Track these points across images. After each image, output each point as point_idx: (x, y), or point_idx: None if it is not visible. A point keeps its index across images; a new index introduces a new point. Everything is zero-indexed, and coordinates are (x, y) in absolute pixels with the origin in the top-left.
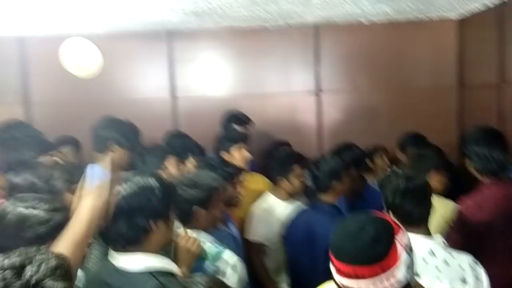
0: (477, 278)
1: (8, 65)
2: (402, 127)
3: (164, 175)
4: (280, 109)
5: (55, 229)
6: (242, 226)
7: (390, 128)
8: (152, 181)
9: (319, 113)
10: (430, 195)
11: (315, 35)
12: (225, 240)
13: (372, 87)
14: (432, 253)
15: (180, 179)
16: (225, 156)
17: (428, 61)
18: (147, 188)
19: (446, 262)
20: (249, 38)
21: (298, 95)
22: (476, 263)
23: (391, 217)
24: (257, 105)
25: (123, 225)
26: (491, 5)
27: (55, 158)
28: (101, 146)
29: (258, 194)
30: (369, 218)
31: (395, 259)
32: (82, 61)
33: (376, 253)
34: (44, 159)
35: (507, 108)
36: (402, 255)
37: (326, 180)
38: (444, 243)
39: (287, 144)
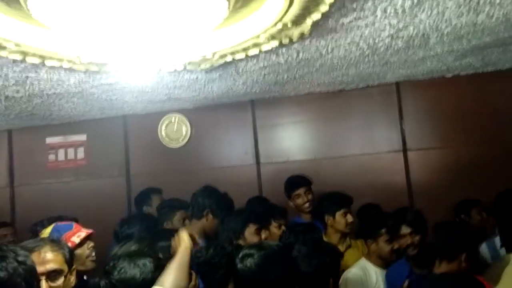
0: None
1: (114, 141)
2: (499, 182)
3: (242, 243)
4: (365, 170)
5: None
6: None
7: (486, 183)
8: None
9: (407, 172)
10: None
11: (397, 92)
12: None
13: (462, 141)
14: None
15: None
16: (329, 220)
17: None
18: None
19: None
20: (329, 101)
21: (383, 155)
22: None
23: None
24: (340, 168)
25: None
26: None
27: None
28: (198, 212)
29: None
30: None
31: None
32: (172, 134)
33: None
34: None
35: None
36: None
37: (455, 249)
38: None
39: (376, 206)
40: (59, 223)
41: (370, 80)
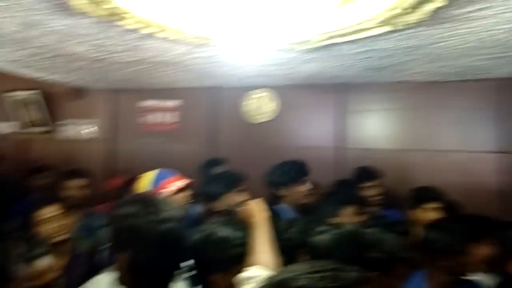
0: None
1: (206, 110)
2: None
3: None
4: (455, 168)
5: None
6: None
7: None
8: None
9: (502, 176)
10: None
11: (500, 90)
12: None
13: None
14: None
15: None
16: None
17: None
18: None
19: None
20: (424, 91)
21: (476, 154)
22: None
23: None
24: (427, 162)
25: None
26: None
27: (240, 194)
28: (274, 188)
29: None
30: None
31: None
32: (258, 109)
33: None
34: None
35: None
36: None
37: None
38: None
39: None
40: (164, 170)
41: (472, 74)
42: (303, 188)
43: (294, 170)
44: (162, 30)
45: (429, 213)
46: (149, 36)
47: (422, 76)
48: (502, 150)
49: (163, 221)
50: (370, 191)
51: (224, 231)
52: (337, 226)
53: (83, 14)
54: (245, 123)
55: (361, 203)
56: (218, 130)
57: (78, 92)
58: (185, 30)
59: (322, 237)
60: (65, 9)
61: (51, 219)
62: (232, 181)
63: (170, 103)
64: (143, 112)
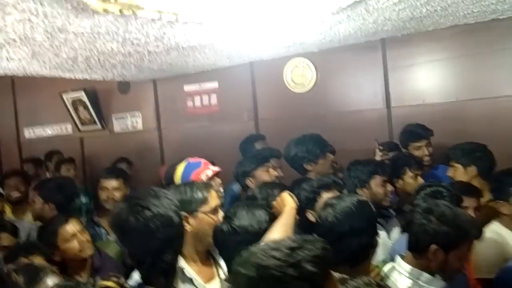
0: None
1: (243, 87)
2: None
3: (367, 194)
4: None
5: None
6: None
7: None
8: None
9: None
10: None
11: None
12: None
13: None
14: None
15: (430, 207)
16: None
17: None
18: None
19: None
20: (476, 34)
21: None
22: None
23: None
24: (488, 111)
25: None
26: None
27: (270, 170)
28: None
29: None
30: None
31: None
32: (298, 79)
33: None
34: (260, 171)
35: None
36: None
37: None
38: None
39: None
40: (190, 161)
41: None
42: (327, 159)
43: (314, 143)
44: (182, 15)
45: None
46: (173, 22)
47: (471, 18)
48: None
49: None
50: (419, 151)
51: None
52: (341, 199)
53: (101, 13)
54: (286, 95)
55: (394, 172)
56: (258, 106)
57: (122, 87)
58: (206, 11)
59: (328, 211)
60: (84, 11)
61: None
62: (261, 158)
63: (210, 85)
64: (185, 98)
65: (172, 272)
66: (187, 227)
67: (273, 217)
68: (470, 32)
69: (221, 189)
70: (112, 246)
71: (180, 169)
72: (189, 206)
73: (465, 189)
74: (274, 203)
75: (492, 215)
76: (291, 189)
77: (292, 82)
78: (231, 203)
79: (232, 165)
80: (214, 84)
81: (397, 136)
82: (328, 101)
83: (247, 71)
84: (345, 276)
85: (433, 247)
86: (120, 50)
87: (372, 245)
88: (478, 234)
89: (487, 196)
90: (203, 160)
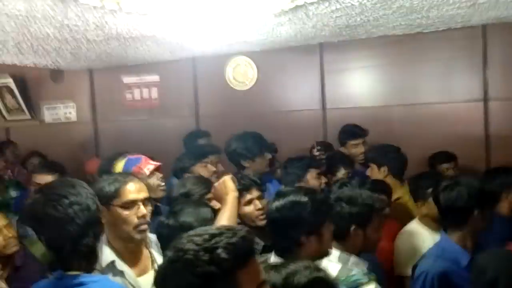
0: None
1: (184, 82)
2: None
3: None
4: (440, 119)
5: None
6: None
7: None
8: (304, 197)
9: (486, 124)
10: None
11: (480, 37)
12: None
13: None
14: None
15: (339, 195)
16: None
17: None
18: (299, 203)
19: None
20: (403, 45)
21: (461, 104)
22: None
23: None
24: (412, 116)
25: (278, 236)
26: None
27: (208, 166)
28: (233, 160)
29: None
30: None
31: None
32: (240, 77)
33: None
34: (198, 167)
35: None
36: None
37: None
38: None
39: (450, 155)
40: (130, 157)
41: (452, 22)
42: (265, 158)
43: (254, 142)
44: (125, 4)
45: None
46: (115, 11)
47: (399, 29)
48: (488, 98)
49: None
50: (356, 149)
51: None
52: (286, 192)
53: None
54: (227, 92)
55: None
56: (199, 101)
57: (55, 75)
58: (151, 2)
59: (276, 203)
60: None
61: None
62: (200, 154)
63: (149, 78)
64: (124, 90)
65: (93, 255)
66: (103, 219)
67: (216, 213)
68: (398, 42)
69: (163, 183)
70: (39, 246)
71: (120, 165)
72: (102, 199)
73: (377, 186)
74: (214, 189)
75: (403, 212)
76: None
77: (234, 80)
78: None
79: (172, 160)
80: (155, 78)
81: (332, 136)
82: (268, 100)
83: (189, 66)
84: (281, 261)
85: (352, 227)
86: (56, 36)
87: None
88: (383, 205)
89: (397, 194)
90: (142, 156)
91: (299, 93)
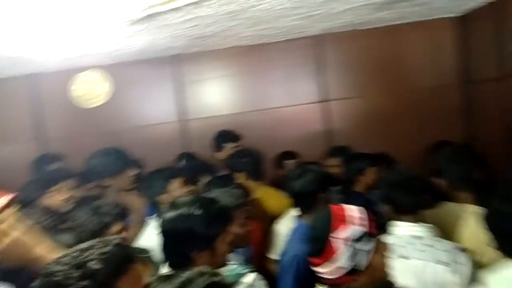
0: (455, 261)
1: (20, 103)
2: (410, 127)
3: (167, 198)
4: (287, 122)
5: None
6: (258, 244)
7: (398, 129)
8: (197, 209)
9: (327, 122)
10: (422, 188)
11: (317, 45)
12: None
13: (377, 91)
14: (417, 237)
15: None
16: None
17: (429, 60)
18: (191, 215)
19: (428, 245)
20: (252, 55)
21: (305, 106)
22: (458, 249)
23: (385, 209)
24: (265, 120)
25: (168, 250)
26: (486, 2)
27: (59, 194)
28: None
29: (269, 206)
30: (316, 219)
31: (332, 252)
32: (90, 93)
33: (316, 250)
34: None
35: (509, 101)
36: (340, 247)
37: None
38: (431, 231)
39: (293, 153)
40: None
41: (293, 33)
42: (127, 175)
43: (114, 158)
44: None
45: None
46: None
47: (248, 40)
48: (322, 99)
49: None
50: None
51: None
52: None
53: None
54: (78, 110)
55: (187, 174)
56: (46, 122)
57: None
58: None
59: (171, 214)
60: None
61: None
62: (45, 181)
63: None
64: None
65: None
66: None
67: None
68: (247, 52)
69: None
70: None
71: None
72: None
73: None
74: None
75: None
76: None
77: (84, 96)
78: None
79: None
80: None
81: (196, 147)
82: (123, 116)
83: (30, 84)
84: (171, 273)
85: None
86: None
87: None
88: (243, 201)
89: (258, 194)
90: None
91: (155, 106)
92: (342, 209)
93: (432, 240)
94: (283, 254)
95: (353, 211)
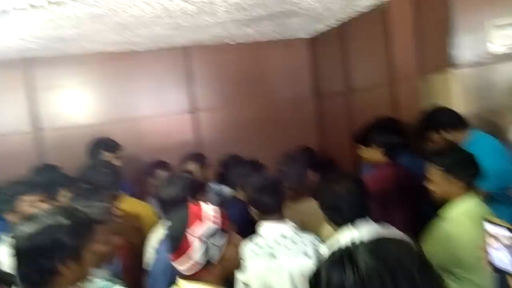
0: (317, 251)
1: None
2: (272, 135)
3: (15, 217)
4: (157, 131)
5: None
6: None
7: (262, 137)
8: (62, 218)
9: (196, 132)
10: (281, 189)
11: (186, 56)
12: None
13: (242, 102)
14: (283, 235)
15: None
16: None
17: (288, 75)
18: (53, 226)
19: (293, 241)
20: (118, 62)
21: (173, 116)
22: (317, 239)
23: (252, 210)
24: (131, 130)
25: (27, 268)
26: (334, 25)
27: None
28: None
29: (137, 219)
30: (174, 217)
31: (186, 247)
32: None
33: (173, 246)
34: None
35: (353, 112)
36: (194, 243)
37: None
38: (294, 226)
39: (164, 164)
40: None
41: (161, 42)
42: None
43: None
44: None
45: None
46: None
47: (116, 46)
48: (192, 109)
49: None
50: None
51: None
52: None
53: None
54: None
55: (49, 190)
56: None
57: None
58: None
59: (30, 227)
60: None
61: None
62: None
63: None
64: None
65: None
66: None
67: None
68: (115, 59)
69: None
70: None
71: None
72: None
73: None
74: None
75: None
76: None
77: None
78: None
79: None
80: None
81: (52, 158)
82: None
83: None
84: None
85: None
86: None
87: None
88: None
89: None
90: None
91: (4, 115)
92: (199, 207)
93: (296, 236)
94: (154, 264)
95: (208, 209)
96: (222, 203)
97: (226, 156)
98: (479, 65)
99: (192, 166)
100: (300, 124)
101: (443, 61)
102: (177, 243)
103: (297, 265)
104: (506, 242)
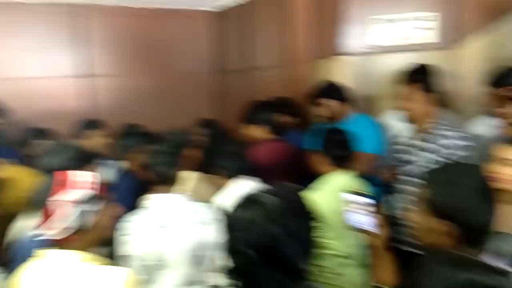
0: (215, 219)
1: None
2: (170, 107)
3: None
4: (38, 94)
5: None
6: None
7: (160, 108)
8: None
9: (92, 98)
10: (177, 159)
11: (85, 16)
12: None
13: (141, 71)
14: (178, 205)
15: None
16: None
17: (190, 48)
18: None
19: (189, 211)
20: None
21: (56, 79)
22: (210, 208)
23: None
24: (11, 90)
25: None
26: (237, 3)
27: None
28: None
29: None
30: (39, 187)
31: (50, 214)
32: None
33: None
34: None
35: (254, 90)
36: (66, 209)
37: None
38: (189, 197)
39: (43, 131)
40: None
41: None
42: None
43: None
44: None
45: None
46: None
47: None
48: (78, 75)
49: None
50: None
51: None
52: None
53: None
54: None
55: None
56: None
57: None
58: None
59: None
60: None
61: None
62: None
63: None
64: None
65: None
66: None
67: None
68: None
69: None
70: None
71: None
72: None
73: None
74: None
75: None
76: None
77: None
78: None
79: None
80: None
81: None
82: None
83: None
84: None
85: None
86: None
87: None
88: None
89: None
90: None
91: None
92: (65, 175)
93: (190, 205)
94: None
95: (86, 175)
96: (113, 174)
97: (122, 125)
98: (360, 55)
99: (88, 134)
100: (200, 98)
101: (333, 48)
102: (41, 209)
103: (194, 235)
104: (362, 206)
